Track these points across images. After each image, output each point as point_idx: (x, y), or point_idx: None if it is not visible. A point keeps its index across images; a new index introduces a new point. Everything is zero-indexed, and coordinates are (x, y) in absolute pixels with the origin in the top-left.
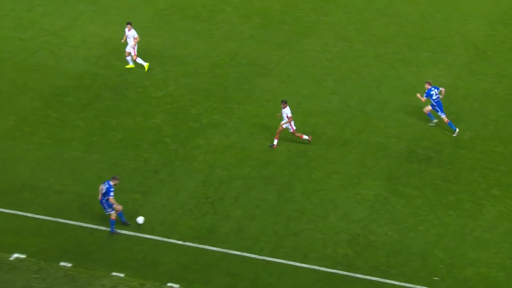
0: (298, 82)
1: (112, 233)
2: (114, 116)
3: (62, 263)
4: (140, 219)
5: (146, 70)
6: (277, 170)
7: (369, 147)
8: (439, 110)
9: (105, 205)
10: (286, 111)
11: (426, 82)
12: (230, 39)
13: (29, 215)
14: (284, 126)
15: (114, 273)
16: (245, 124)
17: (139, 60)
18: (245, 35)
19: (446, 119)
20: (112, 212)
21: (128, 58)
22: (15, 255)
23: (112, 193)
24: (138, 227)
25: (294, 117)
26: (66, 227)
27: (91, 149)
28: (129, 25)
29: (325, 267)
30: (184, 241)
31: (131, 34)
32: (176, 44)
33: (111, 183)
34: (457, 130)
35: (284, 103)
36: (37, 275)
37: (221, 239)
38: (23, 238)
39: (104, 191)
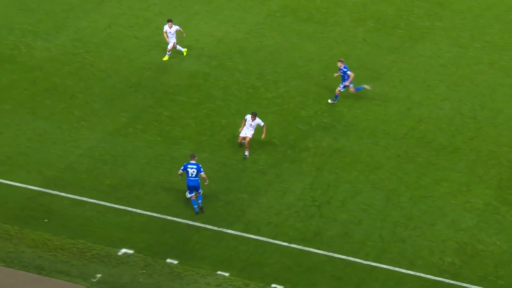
0: (410, 87)
1: (197, 213)
2: (224, 116)
3: (168, 260)
4: (188, 195)
5: (184, 54)
6: (385, 175)
7: (480, 155)
8: None
9: (194, 188)
10: (258, 122)
11: None
12: (343, 42)
13: (138, 211)
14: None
15: (219, 272)
16: (355, 128)
17: (178, 47)
18: (358, 39)
19: None
20: (193, 194)
21: (169, 53)
22: (123, 250)
23: (202, 169)
24: (245, 227)
25: (404, 122)
26: (174, 225)
27: (200, 148)
28: (170, 22)
29: (431, 275)
30: (290, 243)
31: (173, 30)
32: (288, 46)
33: (195, 161)
34: None
35: (254, 115)
36: (143, 271)
37: (326, 242)
38: (131, 234)
39: (195, 172)
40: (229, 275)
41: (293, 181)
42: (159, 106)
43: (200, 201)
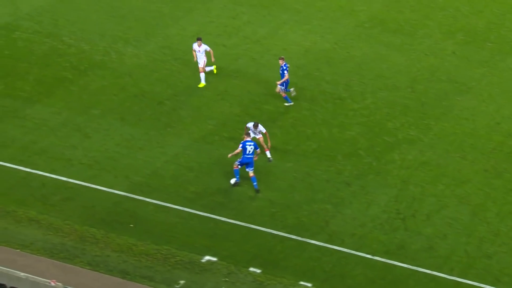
0: (499, 101)
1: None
2: (310, 126)
3: (251, 269)
4: (232, 181)
5: (200, 86)
6: (471, 190)
7: None
8: None
9: (247, 164)
10: (261, 129)
11: None
12: (431, 55)
13: (222, 219)
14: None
15: (301, 282)
16: (442, 142)
17: (202, 75)
18: (447, 51)
19: None
20: (238, 181)
21: (202, 74)
22: (207, 258)
23: (257, 146)
24: (329, 238)
25: (493, 137)
26: (257, 233)
27: (285, 158)
28: (199, 41)
29: None
30: (373, 255)
31: (202, 49)
32: (376, 57)
33: (250, 138)
34: None
35: (256, 125)
36: (226, 279)
37: (410, 256)
38: (215, 241)
39: (252, 149)
40: (312, 286)
41: (378, 193)
42: (246, 114)
43: (255, 183)
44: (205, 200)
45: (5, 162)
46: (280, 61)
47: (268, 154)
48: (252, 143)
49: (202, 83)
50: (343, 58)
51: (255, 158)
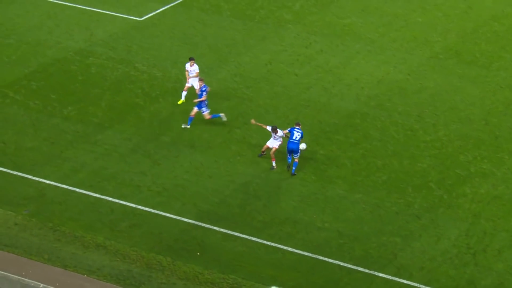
0: None
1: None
2: (380, 157)
3: None
4: (303, 146)
5: (178, 103)
6: None
7: None
8: None
9: (292, 151)
10: (281, 134)
11: None
12: (507, 87)
13: (289, 249)
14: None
15: None
16: None
17: (184, 93)
18: None
19: None
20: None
21: (184, 93)
22: None
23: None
24: (397, 272)
25: None
26: (325, 265)
27: (354, 188)
28: (192, 61)
29: None
30: None
31: (193, 70)
32: (450, 89)
33: (299, 127)
34: None
35: (275, 128)
36: None
37: None
38: (281, 272)
39: (299, 136)
40: None
41: (448, 226)
42: (316, 144)
43: (294, 168)
44: (273, 230)
45: (75, 187)
46: (200, 82)
47: (273, 162)
48: (300, 130)
49: (182, 99)
50: (416, 89)
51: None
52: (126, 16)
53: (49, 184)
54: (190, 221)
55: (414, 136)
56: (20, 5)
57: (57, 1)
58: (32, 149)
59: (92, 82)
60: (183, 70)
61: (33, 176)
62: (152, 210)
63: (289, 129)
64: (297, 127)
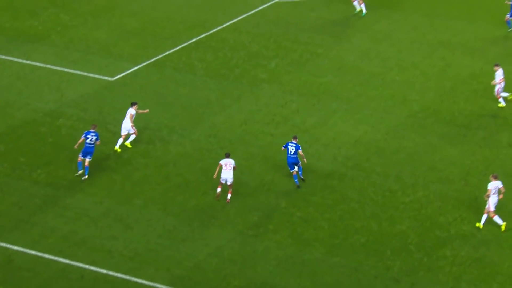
0: None
1: (298, 186)
2: (358, 219)
3: None
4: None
5: (115, 149)
6: None
7: None
8: None
9: (293, 164)
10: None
11: None
12: (486, 147)
13: None
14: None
15: None
16: (496, 237)
17: (120, 140)
18: (503, 143)
19: None
20: (293, 170)
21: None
22: None
23: (300, 148)
24: None
25: None
26: None
27: (332, 252)
28: (135, 105)
29: None
30: None
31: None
32: (429, 149)
33: (295, 141)
34: None
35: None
36: None
37: None
38: None
39: (294, 150)
40: None
41: None
42: (292, 206)
43: (300, 172)
44: None
45: (44, 253)
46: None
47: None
48: (294, 144)
49: (117, 147)
50: (394, 149)
51: (304, 160)
52: (98, 76)
53: (17, 250)
54: (164, 287)
55: (393, 197)
56: None
57: (26, 62)
58: (0, 213)
59: (62, 144)
60: (156, 130)
61: (0, 242)
62: (124, 276)
63: (284, 145)
64: (293, 141)
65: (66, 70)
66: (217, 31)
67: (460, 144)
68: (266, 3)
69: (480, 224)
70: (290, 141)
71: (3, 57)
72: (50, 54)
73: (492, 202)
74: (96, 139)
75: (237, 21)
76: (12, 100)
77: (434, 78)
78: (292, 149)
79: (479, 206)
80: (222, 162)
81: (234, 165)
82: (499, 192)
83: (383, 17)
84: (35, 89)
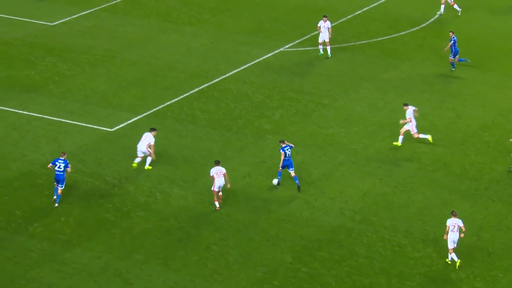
0: None
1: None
2: (367, 275)
3: None
4: (275, 181)
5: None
6: None
7: None
8: None
9: (287, 166)
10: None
11: None
12: (499, 201)
13: None
14: None
15: None
16: None
17: None
18: None
19: None
20: (279, 180)
21: None
22: None
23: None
24: None
25: None
26: None
27: None
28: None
29: None
30: None
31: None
32: (439, 202)
33: (287, 142)
34: None
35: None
36: None
37: None
38: None
39: (289, 152)
40: None
41: None
42: (298, 261)
43: (297, 181)
44: None
45: None
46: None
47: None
48: (289, 147)
49: (135, 162)
50: (403, 203)
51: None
52: (96, 127)
53: None
54: None
55: (402, 253)
56: None
57: (23, 112)
58: None
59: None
60: (157, 183)
61: None
62: None
63: (280, 149)
64: (286, 144)
65: (63, 120)
66: (219, 80)
67: (472, 198)
68: (270, 52)
69: (448, 260)
70: (283, 146)
71: None
72: (47, 104)
73: (450, 239)
74: (65, 167)
75: (240, 70)
76: (8, 152)
77: (444, 129)
78: (289, 152)
79: (493, 262)
80: (213, 171)
81: (225, 172)
82: (460, 230)
83: (391, 67)
84: (31, 140)
